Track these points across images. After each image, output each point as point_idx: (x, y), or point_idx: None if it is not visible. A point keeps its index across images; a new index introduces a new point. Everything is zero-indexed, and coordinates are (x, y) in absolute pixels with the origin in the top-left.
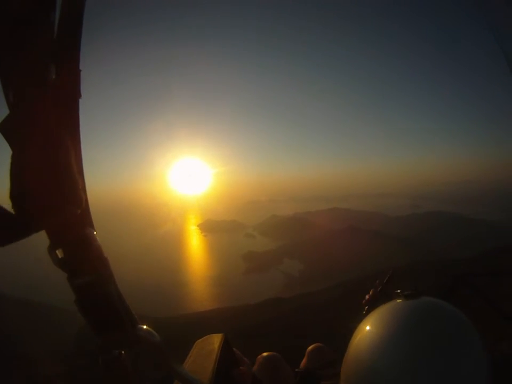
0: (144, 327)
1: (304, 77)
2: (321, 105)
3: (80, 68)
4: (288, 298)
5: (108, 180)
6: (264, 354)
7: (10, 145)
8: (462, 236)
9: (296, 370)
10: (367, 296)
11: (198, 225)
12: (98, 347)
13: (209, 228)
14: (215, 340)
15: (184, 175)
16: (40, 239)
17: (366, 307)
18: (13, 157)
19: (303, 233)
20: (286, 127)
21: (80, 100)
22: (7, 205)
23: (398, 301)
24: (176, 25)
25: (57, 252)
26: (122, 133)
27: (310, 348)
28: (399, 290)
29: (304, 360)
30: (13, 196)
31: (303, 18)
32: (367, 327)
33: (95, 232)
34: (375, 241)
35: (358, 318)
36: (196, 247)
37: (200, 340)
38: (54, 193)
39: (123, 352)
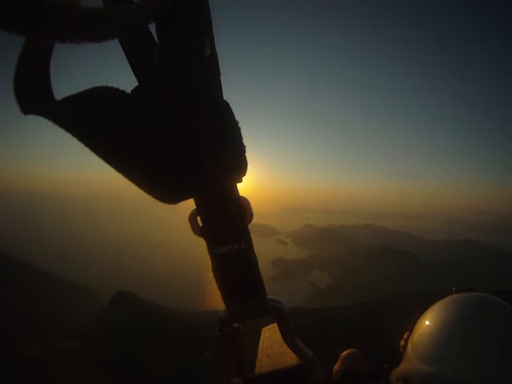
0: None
1: (351, 89)
2: (367, 121)
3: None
4: (312, 309)
5: None
6: (346, 351)
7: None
8: (494, 267)
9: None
10: (405, 336)
11: None
12: (225, 318)
13: None
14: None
15: None
16: (75, 223)
17: (403, 343)
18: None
19: (335, 246)
20: (331, 139)
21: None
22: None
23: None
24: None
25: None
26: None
27: (344, 353)
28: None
29: (337, 365)
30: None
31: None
32: (433, 311)
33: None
34: (407, 263)
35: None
36: None
37: (266, 328)
38: (218, 160)
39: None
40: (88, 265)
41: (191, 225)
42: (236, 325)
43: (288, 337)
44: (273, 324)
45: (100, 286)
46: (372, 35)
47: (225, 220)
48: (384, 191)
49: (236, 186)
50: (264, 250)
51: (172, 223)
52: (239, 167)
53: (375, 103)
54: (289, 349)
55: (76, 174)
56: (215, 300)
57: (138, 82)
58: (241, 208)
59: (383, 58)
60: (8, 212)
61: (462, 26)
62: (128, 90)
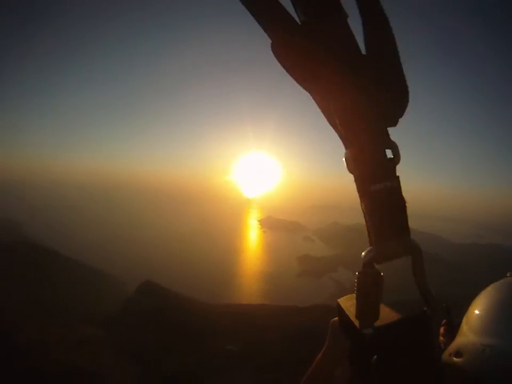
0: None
1: None
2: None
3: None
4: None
5: (179, 165)
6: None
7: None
8: None
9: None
10: (441, 330)
11: (259, 220)
12: (370, 259)
13: (270, 224)
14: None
15: (252, 170)
16: (105, 212)
17: (442, 338)
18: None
19: (362, 244)
20: None
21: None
22: None
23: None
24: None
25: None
26: (196, 123)
27: None
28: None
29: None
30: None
31: None
32: (489, 290)
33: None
34: (433, 265)
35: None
36: (253, 241)
37: (342, 299)
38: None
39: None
40: (116, 254)
41: (346, 163)
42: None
43: (422, 277)
44: (349, 295)
45: (126, 275)
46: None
47: (382, 158)
48: (413, 192)
49: (387, 129)
50: (291, 247)
51: (203, 217)
52: (400, 102)
53: (416, 101)
54: (391, 310)
55: (108, 164)
56: (239, 294)
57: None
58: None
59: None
60: (38, 201)
61: None
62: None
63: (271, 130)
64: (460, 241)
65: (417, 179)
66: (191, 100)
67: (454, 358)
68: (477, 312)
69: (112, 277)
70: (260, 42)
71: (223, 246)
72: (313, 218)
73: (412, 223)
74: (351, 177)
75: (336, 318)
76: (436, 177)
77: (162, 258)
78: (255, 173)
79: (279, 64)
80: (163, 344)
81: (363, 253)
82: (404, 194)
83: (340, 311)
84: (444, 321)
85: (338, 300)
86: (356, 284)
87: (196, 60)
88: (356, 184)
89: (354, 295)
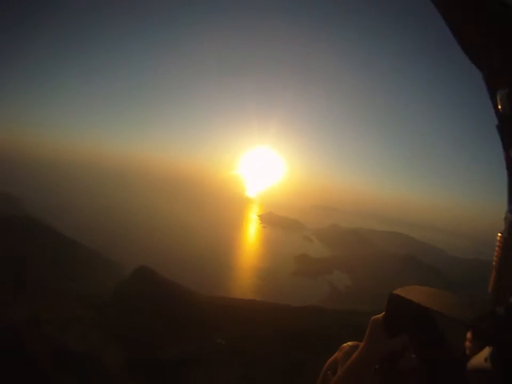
0: None
1: (403, 88)
2: (414, 128)
3: None
4: (330, 310)
5: (186, 157)
6: (349, 343)
7: None
8: None
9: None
10: (468, 335)
11: (259, 216)
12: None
13: (270, 220)
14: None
15: (256, 165)
16: (107, 195)
17: (469, 344)
18: None
19: (360, 249)
20: (373, 139)
21: None
22: None
23: None
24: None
25: None
26: (204, 115)
27: (345, 344)
28: None
29: (335, 355)
30: None
31: None
32: None
33: None
34: (430, 277)
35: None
36: (252, 236)
37: (399, 290)
38: None
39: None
40: (115, 238)
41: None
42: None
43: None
44: (407, 287)
45: (123, 259)
46: None
47: None
48: (417, 201)
49: None
50: (289, 245)
51: (204, 207)
52: None
53: (430, 109)
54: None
55: (112, 147)
56: (233, 287)
57: None
58: None
59: None
60: (42, 179)
61: None
62: None
63: (277, 126)
64: (459, 255)
65: (423, 189)
66: (200, 96)
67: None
68: None
69: (110, 260)
70: (268, 38)
71: (221, 238)
72: (314, 218)
73: (412, 232)
74: (355, 181)
75: (378, 316)
76: (442, 190)
77: (161, 245)
78: (259, 168)
79: (287, 62)
80: (153, 330)
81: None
82: (406, 204)
83: (399, 303)
84: (468, 337)
85: (395, 291)
86: (496, 249)
87: (205, 55)
88: None
89: (412, 287)
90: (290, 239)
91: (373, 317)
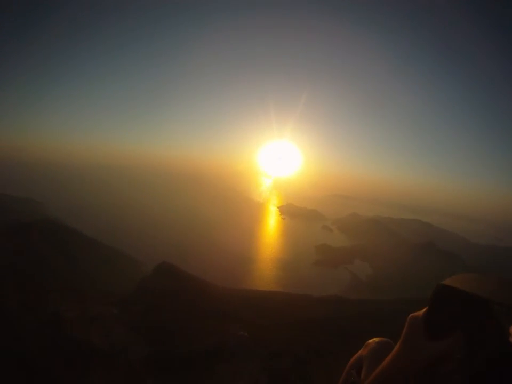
0: None
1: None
2: (433, 114)
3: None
4: (351, 300)
5: (203, 152)
6: (375, 339)
7: None
8: None
9: None
10: None
11: (278, 207)
12: None
13: (289, 212)
14: None
15: (273, 156)
16: (125, 194)
17: None
18: None
19: (381, 238)
20: (393, 128)
21: None
22: None
23: None
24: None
25: None
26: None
27: (371, 340)
28: None
29: (360, 351)
30: None
31: None
32: None
33: None
34: (450, 263)
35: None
36: (272, 228)
37: (449, 280)
38: None
39: None
40: (134, 235)
41: None
42: None
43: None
44: (459, 275)
45: (144, 256)
46: None
47: None
48: (436, 188)
49: None
50: (309, 235)
51: (223, 202)
52: None
53: (446, 97)
54: None
55: (133, 147)
56: (255, 279)
57: None
58: None
59: None
60: (59, 182)
61: None
62: None
63: (295, 118)
64: (478, 242)
65: (442, 176)
66: (218, 90)
67: None
68: None
69: (131, 257)
70: (287, 34)
71: (242, 232)
72: (333, 208)
73: (431, 219)
74: (374, 169)
75: (418, 313)
76: (461, 176)
77: (182, 241)
78: (277, 160)
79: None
80: (176, 325)
81: None
82: (426, 191)
83: (450, 296)
84: None
85: (444, 282)
86: None
87: (224, 50)
88: None
89: (466, 274)
90: (310, 230)
91: (411, 315)
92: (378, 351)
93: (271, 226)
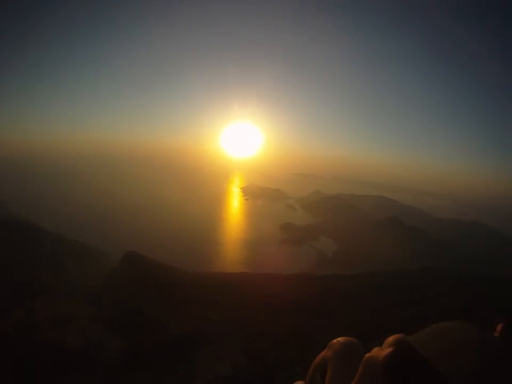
0: None
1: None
2: (391, 89)
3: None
4: (318, 276)
5: (163, 135)
6: (340, 339)
7: None
8: (498, 252)
9: None
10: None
11: (241, 188)
12: None
13: (252, 192)
14: None
15: (235, 138)
16: (85, 184)
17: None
18: None
19: (344, 214)
20: (351, 104)
21: None
22: None
23: None
24: None
25: None
26: (182, 90)
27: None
28: None
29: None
30: None
31: None
32: None
33: None
34: (414, 238)
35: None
36: (235, 209)
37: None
38: None
39: None
40: (99, 226)
41: None
42: None
43: None
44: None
45: (110, 246)
46: None
47: None
48: (399, 165)
49: None
50: (273, 215)
51: (187, 185)
52: None
53: (407, 75)
54: None
55: (92, 134)
56: (223, 262)
57: None
58: None
59: None
60: (21, 178)
61: None
62: None
63: (256, 99)
64: (442, 217)
65: (405, 153)
66: (179, 73)
67: None
68: None
69: (96, 250)
70: (246, 13)
71: (206, 215)
72: (296, 187)
73: (396, 196)
74: (334, 147)
75: (376, 356)
76: (424, 152)
77: (145, 228)
78: (238, 141)
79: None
80: (150, 315)
81: None
82: (388, 168)
83: (410, 359)
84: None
85: (410, 338)
86: None
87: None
88: None
89: (439, 325)
90: (274, 209)
91: (368, 355)
92: (343, 354)
93: (235, 207)
